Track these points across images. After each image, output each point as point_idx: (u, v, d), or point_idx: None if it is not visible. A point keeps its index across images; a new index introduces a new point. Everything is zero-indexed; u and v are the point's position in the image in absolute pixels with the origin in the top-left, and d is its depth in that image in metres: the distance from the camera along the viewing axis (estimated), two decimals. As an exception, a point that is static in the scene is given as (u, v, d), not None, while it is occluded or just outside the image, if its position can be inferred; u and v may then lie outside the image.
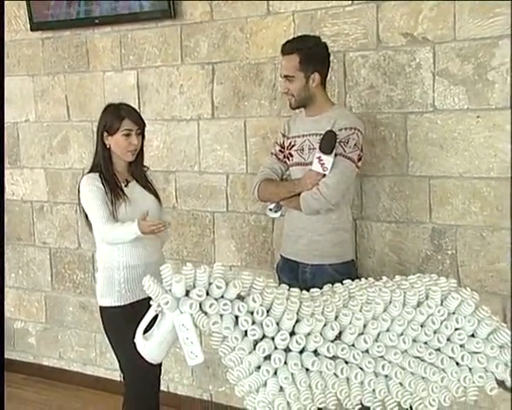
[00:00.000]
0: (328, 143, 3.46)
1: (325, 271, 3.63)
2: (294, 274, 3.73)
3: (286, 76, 3.65)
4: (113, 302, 3.65)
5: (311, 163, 3.57)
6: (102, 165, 3.64)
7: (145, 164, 3.85)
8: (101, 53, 4.93)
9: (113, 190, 3.59)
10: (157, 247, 3.79)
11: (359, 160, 3.63)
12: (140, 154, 3.74)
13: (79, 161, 5.14)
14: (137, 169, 3.76)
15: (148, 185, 3.78)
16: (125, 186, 3.67)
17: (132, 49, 4.79)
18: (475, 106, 3.73)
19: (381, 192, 4.02)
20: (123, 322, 3.52)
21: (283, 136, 3.85)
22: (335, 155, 3.49)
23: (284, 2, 4.18)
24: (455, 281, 3.20)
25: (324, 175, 3.51)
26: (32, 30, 5.11)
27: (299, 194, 3.62)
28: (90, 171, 3.69)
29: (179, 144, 4.70)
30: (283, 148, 3.83)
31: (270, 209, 3.81)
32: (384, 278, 3.30)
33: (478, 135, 3.74)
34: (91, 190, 3.58)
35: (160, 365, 3.70)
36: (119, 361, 3.77)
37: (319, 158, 3.48)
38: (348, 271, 3.66)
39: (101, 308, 3.73)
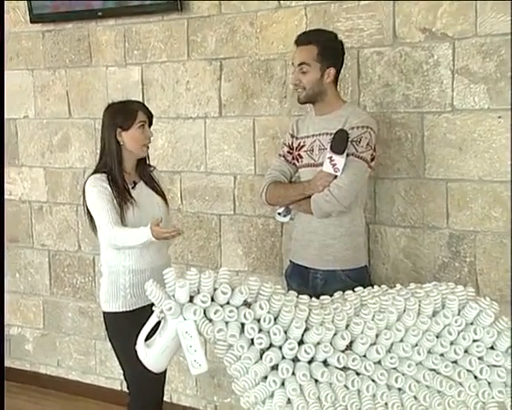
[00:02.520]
0: (340, 142, 3.39)
1: (337, 276, 3.55)
2: (304, 280, 3.64)
3: (301, 63, 3.54)
4: (117, 308, 3.60)
5: (321, 164, 3.51)
6: (113, 164, 3.59)
7: (150, 164, 3.82)
8: (104, 47, 4.88)
9: (121, 193, 3.54)
10: (164, 251, 3.74)
11: (372, 160, 3.56)
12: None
13: (80, 160, 5.09)
14: (144, 169, 3.72)
15: (154, 186, 3.74)
16: (133, 188, 3.63)
17: (137, 43, 4.74)
18: (497, 106, 3.65)
19: (395, 196, 3.95)
20: (127, 328, 3.45)
21: (292, 136, 3.78)
22: (347, 155, 3.42)
23: (296, -5, 4.14)
24: (473, 290, 3.14)
25: (336, 176, 3.44)
26: (31, 22, 5.05)
27: (309, 196, 3.55)
28: (96, 171, 3.63)
29: (185, 143, 4.63)
30: (292, 149, 3.76)
31: (279, 213, 3.77)
32: (398, 286, 3.23)
33: (499, 136, 3.66)
34: (99, 192, 3.52)
35: (165, 374, 3.66)
36: (122, 369, 3.72)
37: (330, 158, 3.42)
38: (361, 277, 3.58)
39: (105, 314, 3.68)
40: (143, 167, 3.70)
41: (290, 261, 3.81)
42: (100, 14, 4.74)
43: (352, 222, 3.59)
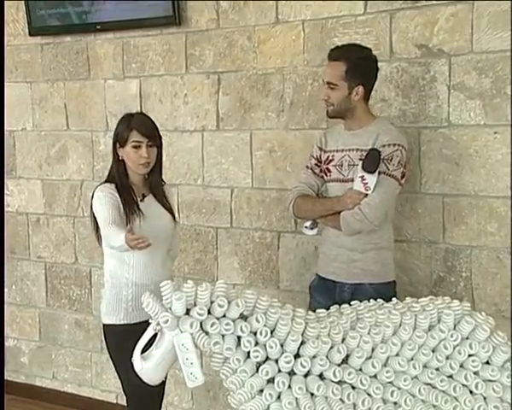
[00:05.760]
0: (373, 162, 3.36)
1: (365, 290, 3.50)
2: (331, 294, 3.59)
3: (328, 83, 3.52)
4: (118, 320, 3.54)
5: (350, 179, 3.50)
6: (117, 177, 3.55)
7: (162, 178, 3.74)
8: (103, 60, 4.88)
9: (129, 205, 3.48)
10: (168, 265, 3.69)
11: (403, 177, 3.51)
12: (157, 167, 3.63)
13: (78, 172, 5.08)
14: (154, 183, 3.65)
15: (163, 201, 3.67)
16: (141, 201, 3.56)
17: (135, 56, 4.74)
18: (493, 121, 3.65)
19: (392, 210, 3.90)
20: (128, 342, 3.33)
21: (320, 149, 3.72)
22: (378, 173, 3.39)
23: (294, 11, 4.13)
24: (469, 304, 3.11)
25: (366, 195, 3.41)
26: (30, 35, 5.05)
27: (337, 212, 3.51)
28: (106, 182, 3.58)
29: (182, 156, 4.63)
30: (320, 162, 3.71)
31: (306, 226, 3.72)
32: (394, 300, 3.21)
33: (495, 152, 3.66)
34: (106, 196, 3.45)
35: (163, 388, 3.63)
36: (121, 382, 3.66)
37: (362, 177, 3.39)
38: (388, 292, 3.50)
39: (105, 326, 3.61)
40: (153, 181, 3.63)
41: (316, 275, 3.76)
42: (98, 27, 4.74)
43: (381, 237, 3.55)
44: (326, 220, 3.59)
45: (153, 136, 3.54)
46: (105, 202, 3.43)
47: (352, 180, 3.46)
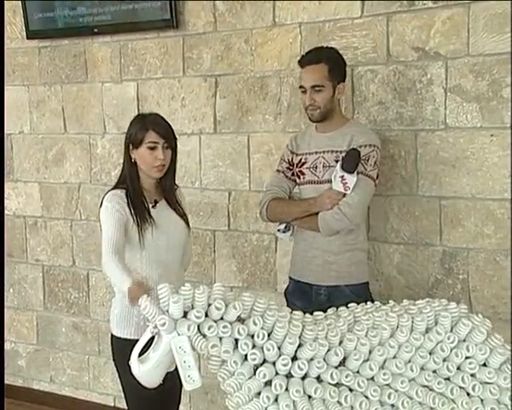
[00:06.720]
0: (353, 161, 3.39)
1: (341, 292, 3.52)
2: (307, 298, 3.61)
3: (314, 86, 3.52)
4: (129, 334, 3.37)
5: (325, 181, 3.52)
6: (128, 181, 3.39)
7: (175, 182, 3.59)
8: (100, 63, 4.88)
9: (140, 213, 3.33)
10: (181, 274, 3.58)
11: (377, 177, 3.55)
12: (171, 170, 3.45)
13: (75, 175, 5.08)
14: (167, 187, 3.48)
15: (176, 207, 3.51)
16: (153, 207, 3.41)
17: (132, 59, 4.74)
18: (489, 124, 3.66)
19: (389, 212, 3.94)
20: None
21: (291, 152, 3.74)
22: (357, 173, 3.41)
23: (291, 14, 4.14)
24: (466, 307, 3.10)
25: (344, 195, 3.43)
26: (28, 38, 5.05)
27: (313, 213, 3.52)
28: (115, 187, 3.42)
29: (180, 159, 4.42)
30: (292, 165, 3.73)
31: (279, 230, 3.74)
32: (391, 302, 3.19)
33: (491, 154, 3.67)
34: (113, 211, 3.27)
35: (177, 402, 3.60)
36: (124, 394, 3.53)
37: (342, 177, 3.40)
38: (364, 293, 3.57)
39: (115, 338, 3.46)
40: (166, 185, 3.47)
41: (291, 279, 3.75)
42: (96, 30, 4.74)
43: (356, 239, 3.58)
44: (301, 222, 3.61)
45: (169, 137, 3.38)
46: (111, 215, 3.27)
47: (328, 182, 3.49)
